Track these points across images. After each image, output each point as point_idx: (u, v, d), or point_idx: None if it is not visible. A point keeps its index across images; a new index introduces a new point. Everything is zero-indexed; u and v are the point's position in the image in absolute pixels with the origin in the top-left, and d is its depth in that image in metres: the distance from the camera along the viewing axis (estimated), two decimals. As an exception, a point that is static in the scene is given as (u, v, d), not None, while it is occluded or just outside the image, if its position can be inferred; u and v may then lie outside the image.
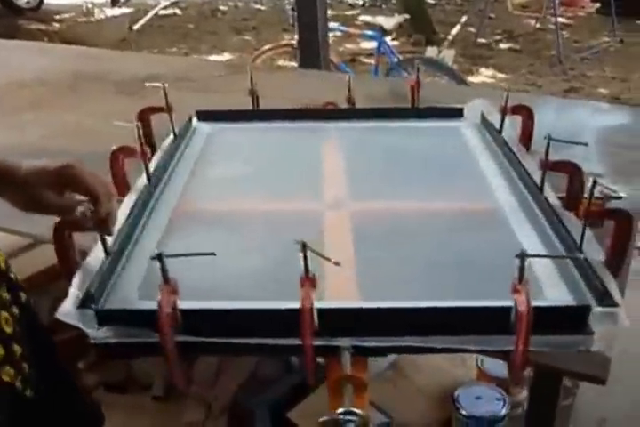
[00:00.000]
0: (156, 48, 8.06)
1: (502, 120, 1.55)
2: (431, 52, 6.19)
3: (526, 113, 1.54)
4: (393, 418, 1.96)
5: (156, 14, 9.06)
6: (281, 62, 6.36)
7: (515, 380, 0.98)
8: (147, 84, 1.49)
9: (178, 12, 10.01)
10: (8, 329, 1.08)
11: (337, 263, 0.95)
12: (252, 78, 1.64)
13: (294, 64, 5.79)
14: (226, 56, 7.93)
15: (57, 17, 7.64)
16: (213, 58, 7.71)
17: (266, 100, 1.71)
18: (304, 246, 0.92)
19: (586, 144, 1.31)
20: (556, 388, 1.47)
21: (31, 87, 2.64)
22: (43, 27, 7.47)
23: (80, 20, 7.64)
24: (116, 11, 8.24)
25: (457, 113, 1.72)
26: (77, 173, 1.06)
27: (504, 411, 1.85)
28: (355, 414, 0.90)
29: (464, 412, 1.85)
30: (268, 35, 8.53)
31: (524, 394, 2.06)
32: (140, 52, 7.12)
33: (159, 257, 0.93)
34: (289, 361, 2.24)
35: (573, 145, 1.26)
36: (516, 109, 1.54)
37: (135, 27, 8.36)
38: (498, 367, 2.03)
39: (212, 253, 0.95)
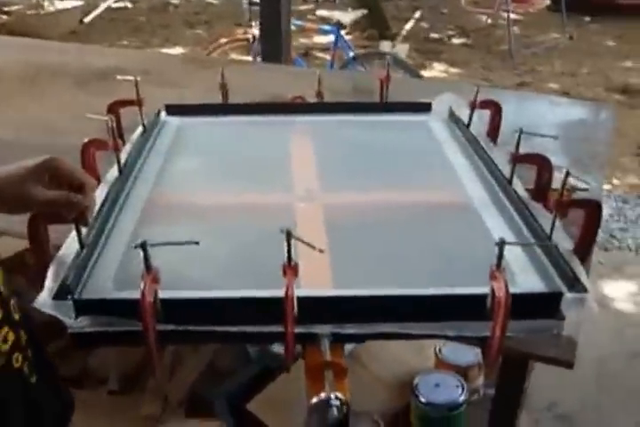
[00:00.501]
0: (106, 41, 7.98)
1: (471, 115, 1.58)
2: (385, 46, 6.24)
3: (494, 108, 1.57)
4: (349, 407, 1.98)
5: (107, 7, 8.97)
6: (234, 56, 6.34)
7: (490, 365, 1.00)
8: (118, 78, 1.49)
9: (129, 5, 9.90)
10: (16, 316, 1.09)
11: (321, 250, 0.97)
12: (223, 73, 1.64)
13: (248, 58, 5.79)
14: (178, 50, 7.89)
15: (5, 9, 7.51)
16: (165, 51, 7.67)
17: (229, 94, 1.72)
18: (289, 235, 0.93)
19: (556, 137, 1.34)
20: (523, 372, 1.51)
21: (-13, 80, 2.62)
22: (-10, 18, 7.40)
23: (29, 12, 7.54)
24: (67, 3, 8.10)
25: (425, 107, 1.75)
26: (60, 164, 1.07)
27: (463, 397, 1.88)
28: (337, 399, 0.91)
29: (423, 399, 1.88)
30: (220, 28, 8.50)
31: (481, 380, 2.10)
32: (92, 45, 7.06)
33: (143, 245, 0.94)
34: (247, 352, 2.25)
35: (533, 138, 1.30)
36: (484, 104, 1.57)
37: (86, 19, 8.28)
38: (456, 355, 2.07)
39: (196, 242, 0.96)
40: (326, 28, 5.87)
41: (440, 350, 2.10)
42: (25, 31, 6.61)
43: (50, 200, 1.06)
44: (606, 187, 4.54)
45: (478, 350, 2.06)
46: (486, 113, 1.59)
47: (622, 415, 2.64)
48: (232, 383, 2.10)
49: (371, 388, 2.09)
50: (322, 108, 1.73)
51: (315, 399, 0.91)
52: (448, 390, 1.90)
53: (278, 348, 2.10)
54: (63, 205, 1.06)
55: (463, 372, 2.03)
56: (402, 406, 2.03)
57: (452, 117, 1.68)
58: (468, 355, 2.06)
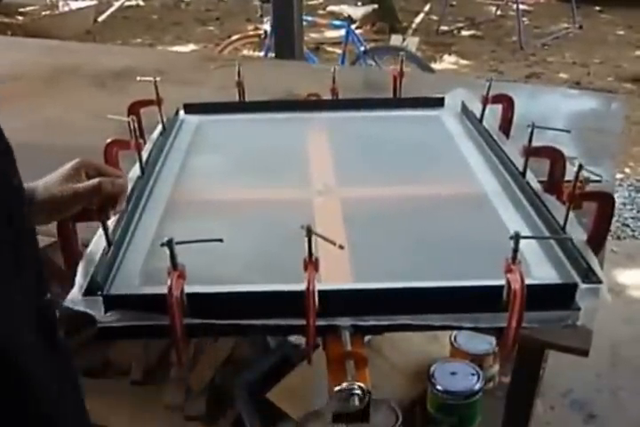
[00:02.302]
0: (120, 39, 8.03)
1: (483, 109, 1.59)
2: (395, 40, 6.25)
3: (507, 102, 1.58)
4: (371, 396, 2.00)
5: (119, 6, 9.01)
6: (245, 52, 6.37)
7: (505, 356, 1.02)
8: (138, 79, 1.52)
9: (141, 3, 9.96)
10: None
11: (341, 247, 0.99)
12: (239, 70, 1.67)
13: (260, 54, 5.82)
14: (190, 46, 7.93)
15: (21, 10, 7.54)
16: (177, 48, 7.71)
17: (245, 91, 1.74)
18: (309, 231, 0.95)
19: (568, 131, 1.36)
20: (539, 361, 1.53)
21: (6, 82, 2.65)
22: (6, 20, 7.36)
23: (44, 12, 7.57)
24: (80, 3, 8.15)
25: (438, 102, 1.77)
26: (92, 161, 1.12)
27: (478, 385, 1.91)
28: (359, 388, 0.94)
29: (440, 387, 1.91)
30: (231, 25, 8.54)
31: (496, 368, 2.13)
32: (105, 43, 7.10)
33: (169, 243, 0.96)
34: (266, 342, 2.28)
35: (544, 130, 1.31)
36: (497, 98, 1.58)
37: (100, 19, 8.31)
38: (471, 344, 2.10)
39: (220, 240, 0.99)
40: (337, 23, 5.89)
41: (455, 338, 2.13)
42: (41, 32, 6.64)
43: (95, 186, 1.09)
44: (619, 176, 4.56)
45: (492, 339, 2.09)
46: (498, 107, 1.60)
47: (638, 401, 2.66)
48: (252, 373, 2.13)
49: (388, 376, 2.12)
50: (337, 104, 1.75)
51: (337, 389, 0.93)
52: (464, 378, 1.94)
53: (297, 338, 2.13)
54: (108, 187, 1.11)
55: (478, 360, 2.06)
56: (418, 394, 2.06)
57: (465, 112, 1.69)
58: (483, 344, 2.09)
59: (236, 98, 1.73)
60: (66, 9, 7.72)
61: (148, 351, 2.33)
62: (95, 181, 1.10)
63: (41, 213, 1.10)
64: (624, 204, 4.31)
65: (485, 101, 1.58)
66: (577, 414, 2.60)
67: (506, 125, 1.58)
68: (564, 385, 2.70)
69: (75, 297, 1.00)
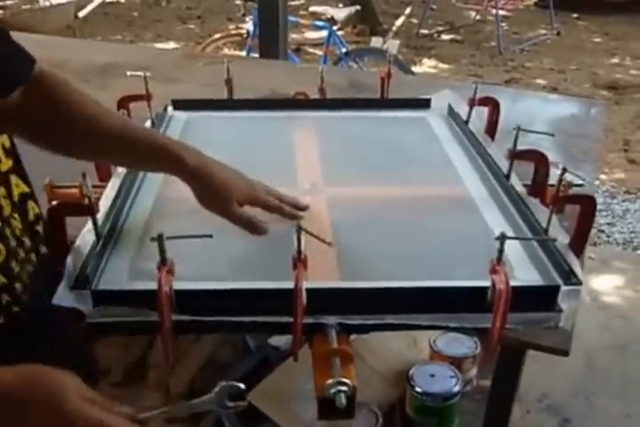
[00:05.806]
0: (100, 36, 8.00)
1: (470, 111, 1.61)
2: (376, 42, 6.26)
3: (493, 105, 1.60)
4: (356, 391, 2.01)
5: (101, 2, 8.97)
6: (227, 51, 6.37)
7: (489, 355, 1.03)
8: (128, 74, 1.52)
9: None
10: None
11: (330, 244, 1.00)
12: (228, 69, 1.68)
13: (242, 53, 5.82)
14: (171, 44, 7.91)
15: (0, 4, 7.50)
16: (158, 46, 7.68)
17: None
18: (299, 229, 0.96)
19: (552, 135, 1.38)
20: (520, 361, 1.54)
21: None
22: (-14, 13, 7.35)
23: (25, 6, 7.52)
24: (61, -2, 8.14)
25: (424, 103, 1.79)
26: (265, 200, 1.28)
27: (457, 388, 1.92)
28: (345, 384, 0.95)
29: (419, 389, 1.92)
30: (212, 24, 8.53)
31: (474, 371, 2.15)
32: (85, 39, 7.07)
33: (159, 238, 0.96)
34: (247, 344, 2.28)
35: (527, 133, 1.33)
36: (483, 101, 1.60)
37: (81, 14, 8.28)
38: (450, 347, 2.11)
39: (210, 236, 1.00)
40: (319, 24, 5.90)
41: (434, 341, 2.14)
42: (21, 26, 6.55)
43: (245, 224, 1.20)
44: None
45: (472, 342, 2.10)
46: (483, 109, 1.62)
47: (612, 406, 2.68)
48: (232, 375, 2.13)
49: (367, 379, 2.13)
50: (325, 104, 1.77)
51: (325, 384, 0.94)
52: (443, 380, 1.94)
53: (277, 340, 2.13)
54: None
55: (457, 363, 2.07)
56: (397, 397, 2.07)
57: (452, 113, 1.71)
58: (462, 347, 2.10)
59: (221, 95, 1.75)
60: (46, 4, 7.66)
61: (127, 353, 2.32)
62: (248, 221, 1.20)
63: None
64: (599, 210, 4.34)
65: (472, 104, 1.60)
66: (552, 419, 2.63)
67: (491, 128, 1.60)
68: (540, 390, 2.72)
69: (62, 291, 1.01)
